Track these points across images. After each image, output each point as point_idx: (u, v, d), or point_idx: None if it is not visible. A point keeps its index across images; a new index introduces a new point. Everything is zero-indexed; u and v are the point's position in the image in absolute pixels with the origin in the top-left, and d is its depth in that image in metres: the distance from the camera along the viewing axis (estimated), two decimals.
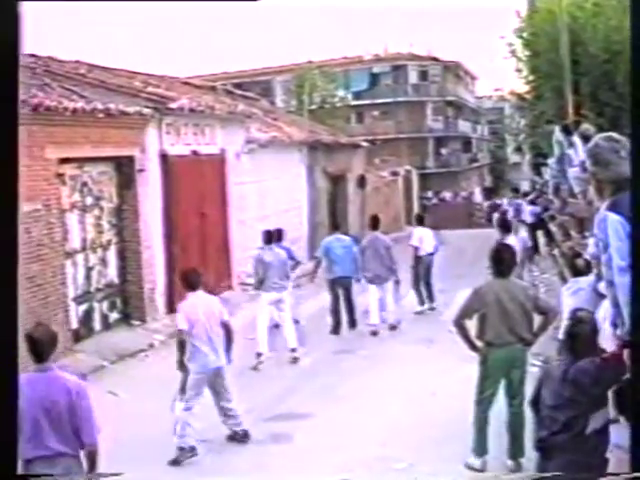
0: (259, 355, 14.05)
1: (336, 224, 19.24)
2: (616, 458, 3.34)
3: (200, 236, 19.89)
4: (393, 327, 16.46)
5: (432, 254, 19.03)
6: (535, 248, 26.34)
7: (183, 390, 10.21)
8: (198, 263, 19.38)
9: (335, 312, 16.73)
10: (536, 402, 6.49)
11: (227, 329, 10.36)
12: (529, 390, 9.22)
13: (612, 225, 4.67)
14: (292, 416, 11.37)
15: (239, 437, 10.38)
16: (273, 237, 16.00)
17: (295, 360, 14.18)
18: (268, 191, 24.10)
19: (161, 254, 18.39)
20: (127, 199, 17.42)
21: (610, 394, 6.07)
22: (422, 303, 18.51)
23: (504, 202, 39.64)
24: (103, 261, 16.84)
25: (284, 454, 9.97)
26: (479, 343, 9.19)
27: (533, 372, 12.46)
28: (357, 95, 60.94)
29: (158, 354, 15.69)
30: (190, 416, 10.06)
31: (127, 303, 17.47)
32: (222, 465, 9.70)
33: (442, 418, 10.75)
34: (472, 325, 9.26)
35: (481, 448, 9.13)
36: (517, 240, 13.59)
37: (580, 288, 9.62)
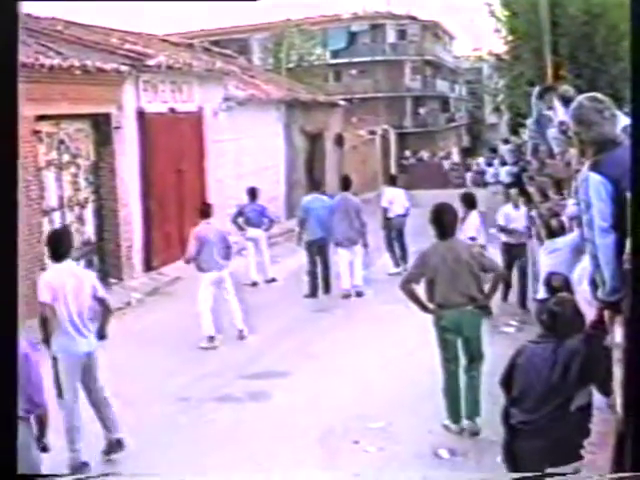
0: (211, 338, 12.93)
1: (316, 184, 18.97)
2: (599, 419, 3.37)
3: (177, 194, 19.82)
4: (359, 294, 16.03)
5: (403, 215, 18.75)
6: None
7: (58, 386, 8.56)
8: (175, 221, 19.44)
9: (312, 274, 16.40)
10: (507, 382, 6.36)
11: (103, 306, 8.88)
12: (488, 351, 9.41)
13: (594, 185, 4.66)
14: (270, 374, 11.40)
15: (113, 448, 8.70)
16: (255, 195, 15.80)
17: (243, 338, 13.21)
18: (245, 149, 24.00)
19: (138, 212, 18.32)
20: (104, 157, 17.31)
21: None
22: (397, 265, 18.36)
23: (480, 162, 39.50)
24: (80, 219, 16.75)
25: (262, 412, 10.01)
26: (430, 305, 9.09)
27: (510, 333, 12.66)
28: (335, 54, 60.61)
29: (135, 312, 15.69)
30: (76, 419, 8.51)
31: (104, 261, 17.41)
32: (200, 423, 9.70)
33: (419, 377, 10.79)
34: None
35: (456, 414, 9.04)
36: (478, 216, 13.40)
37: (557, 249, 9.69)
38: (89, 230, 17.07)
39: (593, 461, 2.69)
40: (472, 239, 11.50)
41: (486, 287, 9.10)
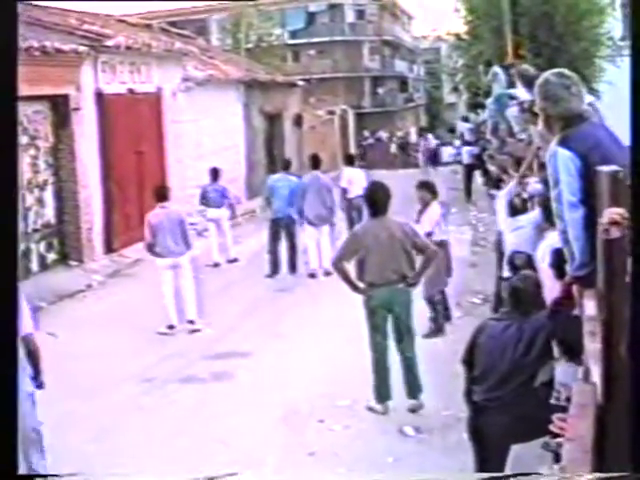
0: (171, 327, 12.52)
1: (285, 162, 18.60)
2: (577, 389, 3.40)
3: (137, 175, 19.69)
4: (328, 273, 15.17)
5: (362, 196, 18.59)
6: (468, 190, 26.52)
7: None
8: (135, 202, 19.31)
9: (274, 253, 16.24)
10: (469, 360, 6.39)
11: None
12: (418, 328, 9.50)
13: (562, 160, 4.67)
14: (233, 354, 11.38)
15: None
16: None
17: (194, 332, 12.53)
18: (205, 130, 23.87)
19: (98, 194, 18.19)
20: (63, 138, 17.14)
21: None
22: None
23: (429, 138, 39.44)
24: (40, 201, 16.58)
25: (226, 392, 9.99)
26: (361, 284, 9.05)
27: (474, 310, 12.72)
28: (293, 34, 60.42)
29: (96, 294, 15.61)
30: None
31: (64, 244, 17.26)
32: (163, 403, 9.67)
33: None
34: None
35: (382, 394, 9.02)
36: (440, 207, 13.02)
37: (520, 226, 9.72)
38: (49, 212, 16.90)
39: (574, 430, 2.71)
40: (428, 234, 11.18)
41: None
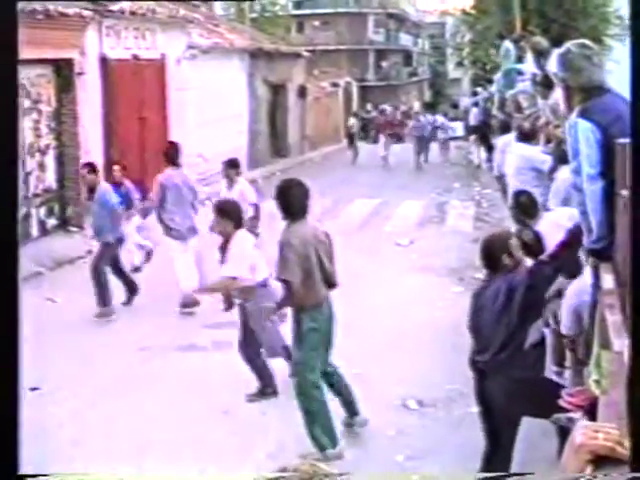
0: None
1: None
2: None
3: (139, 142, 19.63)
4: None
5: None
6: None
7: None
8: (137, 169, 19.20)
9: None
10: (471, 326, 6.34)
11: None
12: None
13: (583, 132, 4.60)
14: (233, 324, 11.30)
15: None
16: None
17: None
18: (208, 98, 23.73)
19: (100, 159, 18.06)
20: (66, 103, 17.03)
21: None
22: None
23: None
24: (41, 166, 16.51)
25: (227, 360, 9.93)
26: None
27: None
28: (298, 4, 60.13)
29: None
30: None
31: (65, 209, 17.20)
32: (164, 371, 9.62)
33: (386, 327, 10.80)
34: None
35: (334, 436, 7.47)
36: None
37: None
38: (50, 177, 16.83)
39: (608, 397, 2.67)
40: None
41: None
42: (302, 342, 7.48)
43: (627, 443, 2.00)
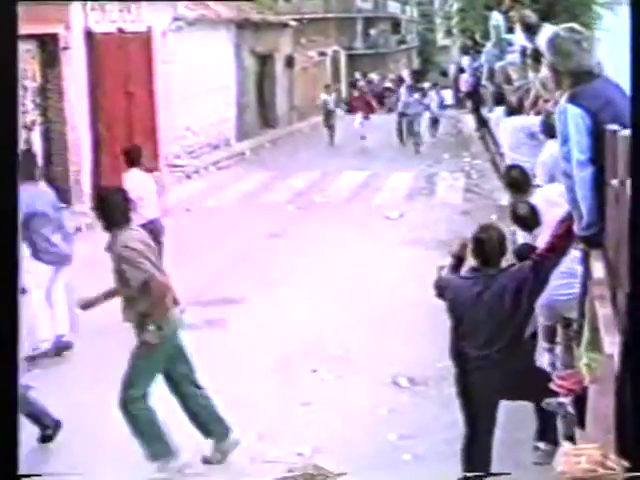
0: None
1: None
2: None
3: (127, 116, 19.46)
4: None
5: None
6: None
7: None
8: (125, 144, 19.09)
9: None
10: (452, 315, 6.27)
11: None
12: None
13: (572, 118, 4.55)
14: (225, 301, 11.28)
15: None
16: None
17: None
18: (195, 70, 23.57)
19: (87, 135, 17.96)
20: (51, 78, 16.87)
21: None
22: None
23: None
24: (27, 142, 16.34)
25: (219, 339, 9.92)
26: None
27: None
28: None
29: (84, 237, 15.42)
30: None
31: (52, 185, 17.03)
32: None
33: (375, 303, 10.78)
34: None
35: (167, 448, 7.00)
36: None
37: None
38: (36, 154, 16.69)
39: (595, 410, 2.63)
40: None
41: None
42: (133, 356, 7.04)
43: (613, 458, 1.97)
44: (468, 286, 6.05)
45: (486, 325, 5.98)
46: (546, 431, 6.40)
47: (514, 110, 10.92)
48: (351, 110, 30.55)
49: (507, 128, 10.87)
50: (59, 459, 7.14)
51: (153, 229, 9.76)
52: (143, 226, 8.52)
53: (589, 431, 2.64)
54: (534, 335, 6.16)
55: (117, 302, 7.26)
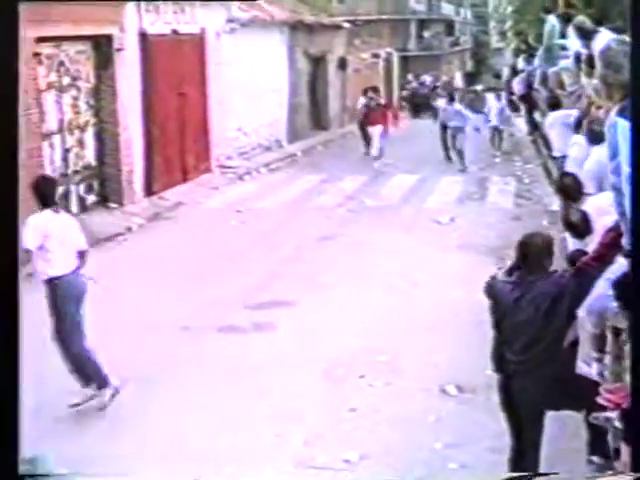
0: None
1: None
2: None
3: (179, 117, 19.61)
4: None
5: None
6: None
7: None
8: (177, 145, 19.26)
9: None
10: (494, 321, 6.24)
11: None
12: None
13: (622, 131, 4.50)
14: (274, 304, 11.30)
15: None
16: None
17: None
18: (248, 72, 23.65)
19: (139, 136, 18.10)
20: (105, 79, 17.02)
21: None
22: None
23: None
24: (80, 143, 16.53)
25: (268, 342, 9.94)
26: None
27: None
28: None
29: (136, 238, 15.58)
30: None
31: (105, 186, 17.24)
32: (203, 354, 9.63)
33: (424, 309, 10.75)
34: None
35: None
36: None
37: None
38: (89, 154, 16.85)
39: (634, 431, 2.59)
40: None
41: None
42: None
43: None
44: (508, 291, 6.04)
45: (524, 331, 5.95)
46: (597, 444, 6.33)
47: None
48: (366, 125, 25.38)
49: (552, 124, 11.07)
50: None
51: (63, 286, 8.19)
52: (49, 282, 8.13)
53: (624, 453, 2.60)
54: (575, 344, 6.09)
55: None
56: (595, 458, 6.37)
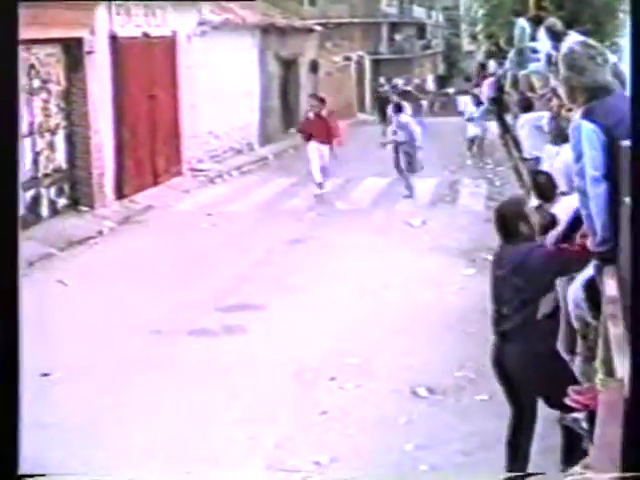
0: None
1: None
2: None
3: (150, 120, 19.57)
4: None
5: None
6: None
7: None
8: (148, 148, 19.21)
9: None
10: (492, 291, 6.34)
11: None
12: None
13: (586, 134, 4.55)
14: (245, 307, 11.30)
15: None
16: None
17: None
18: (220, 75, 23.62)
19: (110, 139, 18.04)
20: (75, 82, 16.96)
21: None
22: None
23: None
24: (51, 146, 16.46)
25: (238, 345, 9.94)
26: None
27: None
28: None
29: (107, 241, 15.52)
30: None
31: (75, 189, 17.17)
32: (174, 357, 9.60)
33: (395, 311, 10.77)
34: None
35: None
36: None
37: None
38: (60, 157, 16.77)
39: (602, 438, 2.62)
40: None
41: None
42: None
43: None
44: (493, 262, 6.24)
45: (503, 298, 6.08)
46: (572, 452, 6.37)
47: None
48: (304, 137, 19.68)
49: (523, 125, 11.26)
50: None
51: None
52: None
53: (594, 458, 2.61)
54: (551, 318, 6.09)
55: None
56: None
